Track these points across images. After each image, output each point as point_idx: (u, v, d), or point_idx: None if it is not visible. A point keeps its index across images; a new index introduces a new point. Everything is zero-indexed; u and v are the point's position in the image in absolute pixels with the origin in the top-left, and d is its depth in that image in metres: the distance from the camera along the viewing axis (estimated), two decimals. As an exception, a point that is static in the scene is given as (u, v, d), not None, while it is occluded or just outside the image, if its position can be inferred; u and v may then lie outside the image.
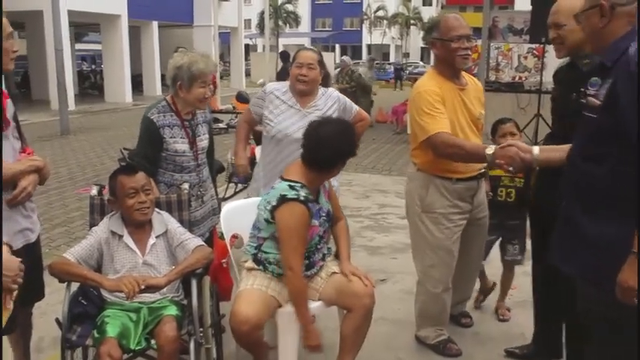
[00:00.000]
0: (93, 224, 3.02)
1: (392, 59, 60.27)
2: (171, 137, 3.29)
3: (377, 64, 40.15)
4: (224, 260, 3.37)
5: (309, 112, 3.74)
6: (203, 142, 3.45)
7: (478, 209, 3.57)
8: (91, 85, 29.34)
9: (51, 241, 5.72)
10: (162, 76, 25.53)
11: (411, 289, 4.55)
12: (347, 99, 4.02)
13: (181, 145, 3.32)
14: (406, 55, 58.80)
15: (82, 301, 2.75)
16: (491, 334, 3.93)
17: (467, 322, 4.03)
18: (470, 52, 3.32)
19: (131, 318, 2.68)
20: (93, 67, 34.92)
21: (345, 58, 15.16)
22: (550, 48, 11.61)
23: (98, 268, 2.84)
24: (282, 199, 2.83)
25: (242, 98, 9.39)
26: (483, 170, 3.48)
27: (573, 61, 2.92)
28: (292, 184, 2.88)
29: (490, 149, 2.94)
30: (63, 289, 2.80)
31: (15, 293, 1.89)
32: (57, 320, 2.69)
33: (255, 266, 3.01)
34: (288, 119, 3.74)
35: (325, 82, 3.94)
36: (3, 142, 2.60)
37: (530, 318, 3.55)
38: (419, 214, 3.49)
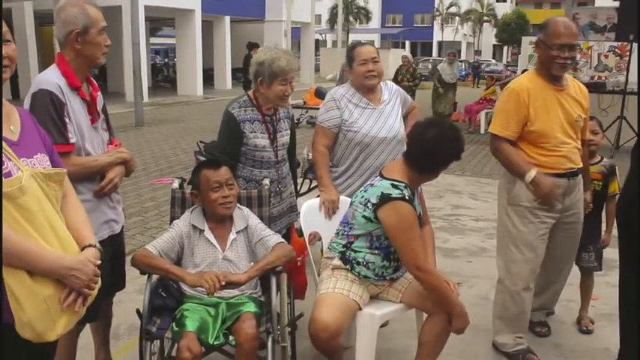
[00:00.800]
0: (174, 217, 3.02)
1: (463, 57, 59.34)
2: (251, 132, 3.26)
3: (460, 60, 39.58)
4: (299, 259, 3.32)
5: (382, 108, 3.67)
6: (284, 137, 3.42)
7: (569, 212, 3.48)
8: (164, 78, 30.10)
9: (126, 230, 5.81)
10: (233, 71, 26.21)
11: (486, 294, 4.44)
12: (403, 91, 3.94)
13: (261, 140, 3.29)
14: (478, 52, 57.60)
15: (162, 293, 2.75)
16: (573, 346, 3.75)
17: (543, 331, 3.88)
18: (570, 61, 3.28)
19: (210, 313, 2.66)
20: (166, 60, 35.84)
21: (406, 54, 14.83)
22: (635, 46, 11.15)
23: (178, 262, 2.85)
24: (387, 198, 2.76)
25: (322, 94, 9.17)
26: (576, 169, 3.41)
27: None
28: (396, 183, 2.80)
29: (532, 173, 3.23)
30: (139, 278, 2.82)
31: (89, 298, 1.87)
32: (137, 311, 2.71)
33: (342, 265, 2.94)
34: (370, 121, 3.62)
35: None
36: (93, 133, 2.65)
37: (616, 332, 3.35)
38: (505, 207, 3.48)
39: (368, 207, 2.82)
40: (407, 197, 2.76)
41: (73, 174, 2.20)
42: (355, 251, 2.92)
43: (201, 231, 2.85)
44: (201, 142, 5.28)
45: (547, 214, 3.38)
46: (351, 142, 3.63)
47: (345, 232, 2.97)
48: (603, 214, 3.91)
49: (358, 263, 2.91)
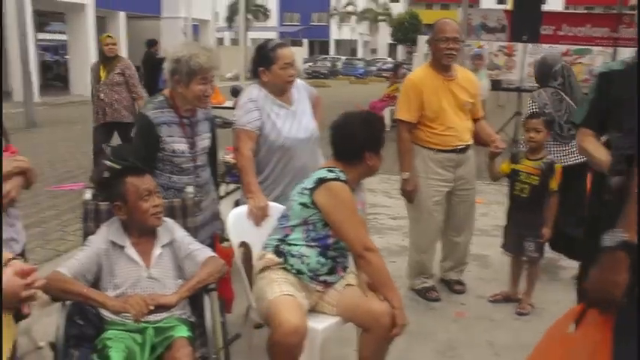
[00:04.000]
0: (87, 232, 2.69)
1: (360, 55, 60.30)
2: (168, 136, 3.00)
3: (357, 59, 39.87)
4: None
5: (295, 108, 3.55)
6: (204, 141, 3.17)
7: (461, 181, 4.14)
8: (54, 76, 28.56)
9: (25, 243, 5.32)
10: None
11: (415, 294, 4.36)
12: (304, 83, 3.77)
13: (179, 144, 3.03)
14: (374, 51, 58.80)
15: (79, 321, 2.38)
16: (506, 342, 3.73)
17: (460, 288, 4.43)
18: (455, 52, 3.93)
19: (136, 340, 2.35)
20: (56, 57, 34.01)
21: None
22: (520, 46, 11.77)
23: (95, 283, 2.52)
24: (322, 180, 2.73)
25: (238, 93, 8.77)
26: (465, 146, 4.05)
27: None
28: (331, 168, 2.81)
29: (406, 174, 4.05)
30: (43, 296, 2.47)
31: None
32: (51, 344, 2.36)
33: (276, 258, 2.78)
34: (287, 122, 3.47)
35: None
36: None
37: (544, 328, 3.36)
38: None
39: (304, 193, 2.74)
40: (342, 178, 2.74)
41: None
42: (290, 244, 2.79)
43: (122, 247, 2.54)
44: (107, 145, 4.91)
45: (441, 183, 4.07)
46: (272, 146, 3.44)
47: (281, 225, 2.85)
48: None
49: (292, 256, 2.77)
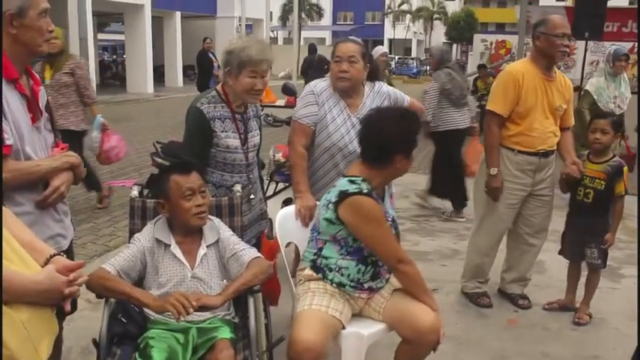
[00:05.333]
0: (134, 230, 2.67)
1: (414, 54, 59.71)
2: (222, 131, 2.93)
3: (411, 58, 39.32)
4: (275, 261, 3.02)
5: (359, 116, 3.27)
6: (255, 138, 3.11)
7: (540, 185, 3.97)
8: (112, 75, 29.34)
9: (76, 238, 5.39)
10: (184, 68, 25.65)
11: (465, 300, 4.23)
12: (397, 92, 3.61)
13: (233, 140, 2.96)
14: (428, 50, 58.12)
15: (122, 318, 2.38)
16: (560, 352, 3.58)
17: (524, 303, 4.19)
18: (568, 50, 3.81)
19: (179, 340, 2.32)
20: (114, 57, 34.88)
21: (384, 49, 11.67)
22: (580, 44, 11.38)
23: (140, 281, 2.50)
24: (344, 195, 2.58)
25: (289, 90, 8.57)
26: (548, 150, 3.89)
27: None
28: (353, 178, 2.64)
29: (495, 169, 3.85)
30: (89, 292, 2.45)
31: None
32: (94, 341, 2.36)
33: (314, 274, 2.69)
34: (342, 129, 3.34)
35: (373, 76, 3.51)
36: (35, 134, 2.26)
37: (602, 338, 3.29)
38: (482, 175, 4.01)
39: (329, 208, 2.62)
40: (364, 191, 2.57)
41: (10, 181, 1.91)
42: (326, 258, 2.68)
43: (167, 246, 2.50)
44: (157, 142, 4.92)
45: (517, 186, 3.91)
46: (320, 146, 3.37)
47: (314, 238, 2.74)
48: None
49: (330, 270, 2.67)
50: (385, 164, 2.63)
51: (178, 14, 25.57)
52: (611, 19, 12.86)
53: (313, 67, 14.30)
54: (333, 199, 2.61)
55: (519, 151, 3.85)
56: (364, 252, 2.66)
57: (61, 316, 2.44)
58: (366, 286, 2.70)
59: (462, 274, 4.31)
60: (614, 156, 3.88)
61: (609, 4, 10.86)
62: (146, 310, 2.41)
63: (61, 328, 2.70)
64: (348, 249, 2.66)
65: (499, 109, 3.80)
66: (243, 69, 2.85)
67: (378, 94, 3.47)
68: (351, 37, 3.52)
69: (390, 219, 2.74)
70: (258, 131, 3.17)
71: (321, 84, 3.44)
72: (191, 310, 2.23)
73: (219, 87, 3.01)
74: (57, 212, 2.38)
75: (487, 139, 3.91)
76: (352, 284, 2.68)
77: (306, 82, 5.15)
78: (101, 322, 2.38)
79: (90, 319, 3.33)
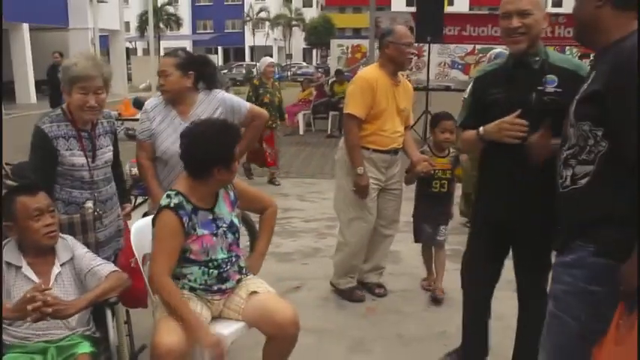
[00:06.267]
0: (-19, 255, 2.63)
1: (275, 60, 60.35)
2: (66, 149, 2.93)
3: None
4: (132, 260, 3.01)
5: (188, 122, 3.35)
6: (106, 154, 3.12)
7: (391, 180, 4.33)
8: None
9: None
10: (38, 83, 24.33)
11: (326, 294, 4.51)
12: (235, 98, 3.74)
13: (78, 158, 2.98)
14: (289, 56, 59.06)
15: None
16: (414, 333, 3.90)
17: (380, 291, 4.53)
18: (414, 57, 4.11)
19: (37, 361, 2.34)
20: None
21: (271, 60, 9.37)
22: (432, 47, 12.24)
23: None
24: (159, 209, 2.72)
25: (139, 104, 8.65)
26: (397, 148, 4.27)
27: (519, 60, 2.76)
28: (170, 192, 2.76)
29: (362, 169, 4.08)
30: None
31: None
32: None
33: None
34: (171, 135, 3.46)
35: (210, 83, 3.62)
36: None
37: (450, 316, 3.57)
38: (345, 177, 4.25)
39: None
40: (172, 205, 2.68)
41: None
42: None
43: (18, 268, 2.50)
44: (7, 164, 4.75)
45: (374, 181, 4.19)
46: (159, 158, 3.55)
47: None
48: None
49: (178, 278, 2.79)
50: (205, 177, 2.73)
51: (26, 26, 24.14)
52: (451, 23, 13.91)
53: None
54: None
55: (374, 150, 4.15)
56: (202, 257, 2.78)
57: None
58: (215, 288, 2.82)
59: (334, 272, 4.50)
60: (450, 151, 4.47)
61: (450, 9, 11.78)
62: (-1, 335, 2.38)
63: None
64: (184, 256, 2.76)
65: (358, 112, 4.05)
66: (73, 85, 2.88)
67: (213, 101, 3.59)
68: (171, 52, 3.65)
69: (225, 224, 2.85)
70: (110, 147, 3.18)
71: (153, 101, 3.61)
72: (48, 309, 2.26)
73: (65, 105, 3.02)
74: None
75: (349, 141, 4.14)
76: (202, 287, 2.80)
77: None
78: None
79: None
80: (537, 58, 2.72)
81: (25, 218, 2.49)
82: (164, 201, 2.70)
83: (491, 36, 14.33)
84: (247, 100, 7.44)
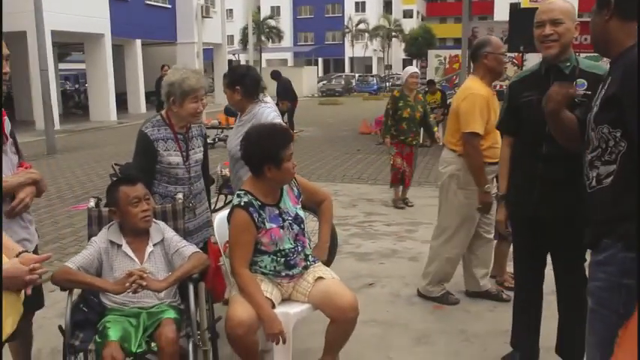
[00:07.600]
0: (92, 235, 3.13)
1: (374, 71, 60.80)
2: (164, 150, 3.42)
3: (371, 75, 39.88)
4: (220, 264, 3.53)
5: (239, 124, 4.00)
6: (197, 154, 3.58)
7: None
8: (75, 104, 29.39)
9: (44, 257, 5.77)
10: (147, 94, 25.93)
11: (398, 291, 4.76)
12: (265, 114, 3.90)
13: (174, 157, 3.45)
14: (388, 67, 59.23)
15: (84, 308, 2.87)
16: (477, 331, 4.08)
17: (507, 296, 4.48)
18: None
19: (131, 323, 2.79)
20: (76, 86, 34.89)
21: (415, 69, 8.33)
22: (529, 56, 12.08)
23: (97, 277, 2.95)
24: (231, 209, 3.11)
25: (230, 112, 9.38)
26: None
27: (551, 65, 3.01)
28: (239, 192, 3.13)
29: (490, 186, 4.10)
30: (58, 302, 2.89)
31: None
32: (60, 327, 2.80)
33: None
34: (232, 136, 4.03)
35: (251, 91, 3.94)
36: (2, 156, 2.72)
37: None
38: (455, 191, 4.32)
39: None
40: (242, 203, 3.05)
41: None
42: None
43: (119, 246, 2.98)
44: (116, 164, 5.37)
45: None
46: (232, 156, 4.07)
47: None
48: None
49: (251, 266, 3.15)
50: (260, 174, 3.08)
51: (139, 42, 25.86)
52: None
53: (286, 90, 15.11)
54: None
55: (489, 163, 4.13)
56: (272, 248, 3.14)
57: (30, 308, 2.89)
58: (283, 273, 3.18)
59: (428, 282, 4.58)
60: None
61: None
62: (103, 299, 2.89)
63: (30, 324, 3.15)
64: (257, 248, 3.14)
65: (480, 130, 4.05)
66: (186, 97, 3.37)
67: (251, 112, 3.96)
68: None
69: (289, 217, 3.20)
70: (201, 148, 3.65)
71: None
72: (143, 282, 2.75)
73: (163, 112, 3.51)
74: (23, 220, 2.85)
75: (475, 160, 4.10)
76: (272, 273, 3.17)
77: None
78: (65, 311, 2.82)
79: (57, 324, 3.74)
80: (568, 64, 2.95)
81: (126, 204, 2.97)
82: (235, 200, 3.09)
83: (581, 44, 13.97)
84: (385, 115, 7.77)
